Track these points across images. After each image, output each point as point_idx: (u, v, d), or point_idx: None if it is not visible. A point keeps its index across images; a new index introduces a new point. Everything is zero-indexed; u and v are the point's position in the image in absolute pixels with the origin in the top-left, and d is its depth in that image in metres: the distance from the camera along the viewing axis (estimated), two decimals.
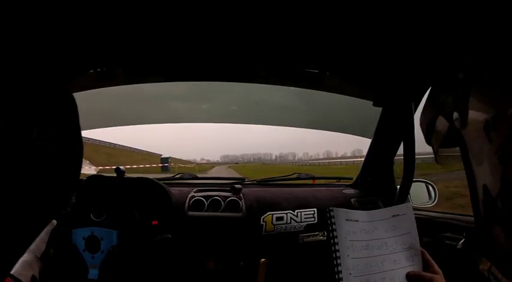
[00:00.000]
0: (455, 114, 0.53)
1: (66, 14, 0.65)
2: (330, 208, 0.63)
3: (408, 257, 0.63)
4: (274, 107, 1.58)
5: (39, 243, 0.83)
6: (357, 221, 0.63)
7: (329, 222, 0.62)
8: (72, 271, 0.92)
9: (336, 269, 0.59)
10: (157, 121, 1.75)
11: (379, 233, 0.63)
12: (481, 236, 0.52)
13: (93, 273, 0.91)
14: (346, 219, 0.62)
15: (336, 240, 0.61)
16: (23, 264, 0.76)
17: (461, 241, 0.72)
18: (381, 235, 0.63)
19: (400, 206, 0.67)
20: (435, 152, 0.64)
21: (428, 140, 0.65)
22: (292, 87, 1.21)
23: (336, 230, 0.61)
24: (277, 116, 1.68)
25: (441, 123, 0.58)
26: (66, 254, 0.91)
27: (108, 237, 0.93)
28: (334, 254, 0.60)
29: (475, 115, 0.48)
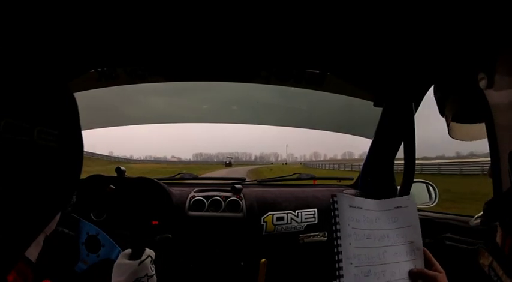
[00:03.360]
0: (481, 74, 0.47)
1: (67, 14, 0.65)
2: (334, 194, 0.60)
3: (409, 251, 0.61)
4: (270, 106, 1.55)
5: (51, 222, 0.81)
6: (361, 208, 0.61)
7: (332, 207, 0.59)
8: (64, 256, 0.91)
9: (336, 257, 0.56)
10: (143, 121, 1.70)
11: (380, 224, 0.61)
12: (502, 209, 0.47)
13: (80, 266, 0.90)
14: (350, 206, 0.60)
15: (338, 227, 0.58)
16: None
17: (476, 216, 0.67)
18: (383, 226, 0.61)
19: (402, 198, 0.65)
20: (448, 125, 0.60)
21: (441, 110, 0.60)
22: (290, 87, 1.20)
23: (338, 216, 0.58)
24: (274, 116, 1.67)
25: (459, 90, 0.53)
26: (65, 239, 0.90)
27: (109, 248, 0.91)
28: (335, 242, 0.57)
29: (506, 73, 0.43)
